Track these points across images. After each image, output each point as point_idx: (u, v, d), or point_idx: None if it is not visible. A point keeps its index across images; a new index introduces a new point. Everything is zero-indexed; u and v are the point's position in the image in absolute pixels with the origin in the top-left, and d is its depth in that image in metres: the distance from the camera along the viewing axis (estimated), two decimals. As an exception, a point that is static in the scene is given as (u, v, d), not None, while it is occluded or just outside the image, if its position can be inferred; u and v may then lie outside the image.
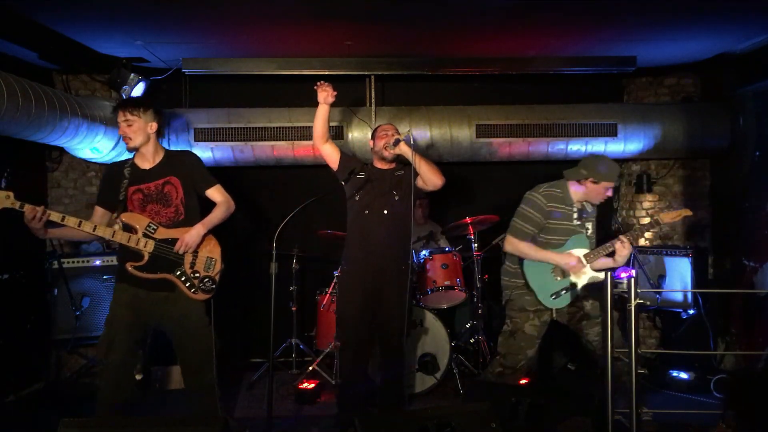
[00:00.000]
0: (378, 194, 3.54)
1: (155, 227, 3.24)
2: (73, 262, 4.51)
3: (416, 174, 3.49)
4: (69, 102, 3.85)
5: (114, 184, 3.31)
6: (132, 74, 4.33)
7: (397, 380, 3.67)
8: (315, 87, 3.52)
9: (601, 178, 3.43)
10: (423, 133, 4.77)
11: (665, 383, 4.39)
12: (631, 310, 2.83)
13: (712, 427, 3.24)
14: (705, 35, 4.08)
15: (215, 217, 3.36)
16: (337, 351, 4.13)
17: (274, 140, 4.73)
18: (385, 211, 3.52)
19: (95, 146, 4.26)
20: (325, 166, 3.76)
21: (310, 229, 4.76)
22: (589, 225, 3.60)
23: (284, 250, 4.59)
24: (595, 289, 3.53)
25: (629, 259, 3.54)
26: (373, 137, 3.71)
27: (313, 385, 4.28)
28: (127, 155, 4.51)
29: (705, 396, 4.18)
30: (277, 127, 4.72)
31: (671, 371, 4.43)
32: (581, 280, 3.50)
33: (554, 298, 3.48)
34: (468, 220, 4.52)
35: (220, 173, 4.07)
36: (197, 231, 3.27)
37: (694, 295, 4.56)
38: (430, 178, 3.48)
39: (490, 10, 3.56)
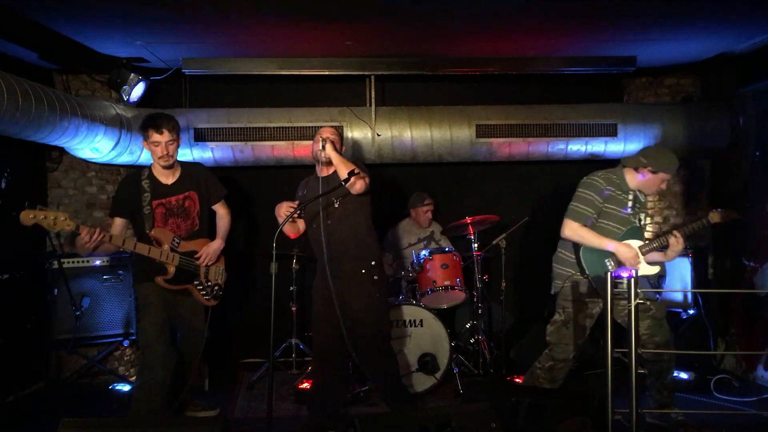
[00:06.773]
0: (315, 205, 3.40)
1: (178, 241, 3.47)
2: (73, 262, 4.50)
3: (354, 175, 3.28)
4: (69, 102, 3.84)
5: (134, 196, 3.47)
6: (132, 74, 4.34)
7: (393, 383, 3.59)
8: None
9: (660, 168, 3.45)
10: (423, 133, 4.77)
11: (665, 383, 4.38)
12: (631, 310, 2.83)
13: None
14: (705, 35, 4.08)
15: (226, 230, 3.72)
16: None
17: (274, 140, 4.73)
18: (329, 221, 3.39)
19: (95, 146, 4.26)
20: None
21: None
22: (642, 216, 3.58)
23: (284, 250, 4.59)
24: (643, 282, 3.45)
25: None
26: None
27: (313, 385, 4.28)
28: (128, 155, 4.56)
29: (705, 396, 4.17)
30: (277, 127, 4.72)
31: (671, 371, 4.43)
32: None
33: None
34: (468, 220, 4.52)
35: (220, 173, 4.11)
36: (219, 245, 3.63)
37: (694, 295, 4.56)
38: (350, 183, 3.27)
39: (490, 10, 3.56)
